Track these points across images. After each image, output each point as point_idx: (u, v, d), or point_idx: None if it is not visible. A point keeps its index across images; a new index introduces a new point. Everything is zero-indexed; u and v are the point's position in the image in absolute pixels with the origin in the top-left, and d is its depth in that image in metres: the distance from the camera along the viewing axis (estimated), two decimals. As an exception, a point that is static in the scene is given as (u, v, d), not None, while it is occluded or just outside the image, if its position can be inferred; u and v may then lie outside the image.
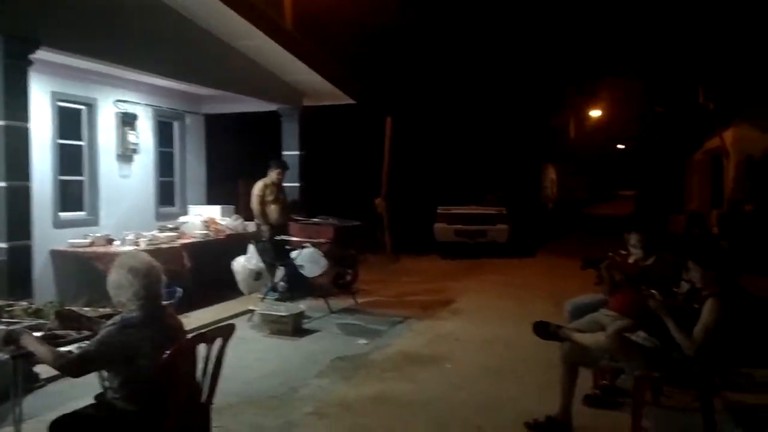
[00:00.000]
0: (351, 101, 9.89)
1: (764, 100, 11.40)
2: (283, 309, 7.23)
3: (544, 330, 4.47)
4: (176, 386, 2.79)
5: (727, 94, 12.44)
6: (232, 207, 9.82)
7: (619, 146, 51.13)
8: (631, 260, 5.31)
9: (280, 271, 8.67)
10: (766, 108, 11.72)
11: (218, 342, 3.11)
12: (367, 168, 14.82)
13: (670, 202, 21.41)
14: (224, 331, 3.13)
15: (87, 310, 3.61)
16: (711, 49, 13.14)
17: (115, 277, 2.93)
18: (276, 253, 8.49)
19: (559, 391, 4.45)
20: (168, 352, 2.76)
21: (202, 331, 3.06)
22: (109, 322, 2.89)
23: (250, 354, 6.38)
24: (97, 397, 3.05)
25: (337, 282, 9.79)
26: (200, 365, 3.18)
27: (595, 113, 35.14)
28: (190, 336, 3.03)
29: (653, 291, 4.25)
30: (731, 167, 13.42)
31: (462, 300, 9.34)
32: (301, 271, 7.94)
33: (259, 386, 5.38)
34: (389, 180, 14.62)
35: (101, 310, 3.66)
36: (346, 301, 8.92)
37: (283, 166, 8.78)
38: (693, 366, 3.97)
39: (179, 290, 7.55)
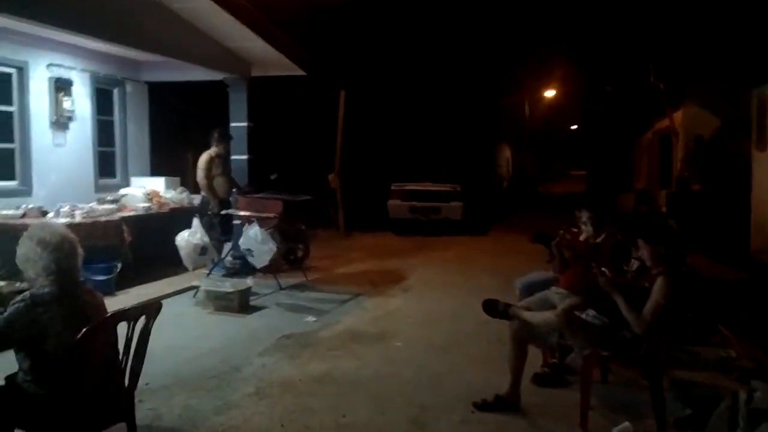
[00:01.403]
0: (302, 72, 9.55)
1: (714, 80, 11.52)
2: (229, 285, 6.97)
3: (493, 308, 4.36)
4: (91, 369, 2.55)
5: (678, 74, 12.55)
6: (177, 179, 9.45)
7: (572, 127, 51.85)
8: (581, 238, 5.23)
9: (227, 247, 8.41)
10: (716, 89, 11.85)
11: (142, 320, 2.87)
12: (319, 143, 14.53)
13: (620, 182, 21.78)
14: (149, 308, 2.88)
15: (1, 285, 3.31)
16: (663, 30, 13.21)
17: (22, 250, 2.67)
18: (223, 228, 8.20)
19: (508, 369, 4.35)
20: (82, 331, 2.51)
21: (124, 308, 2.80)
22: (18, 298, 2.62)
23: (191, 332, 6.13)
24: (8, 378, 2.78)
25: (288, 258, 9.57)
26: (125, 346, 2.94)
27: (549, 93, 35.40)
28: (109, 314, 2.78)
29: (603, 269, 4.17)
30: (680, 147, 13.60)
31: (413, 277, 9.22)
32: (249, 260, 7.66)
33: (197, 365, 5.14)
34: (342, 155, 14.38)
35: (18, 285, 3.36)
36: (296, 278, 8.72)
37: (228, 138, 8.44)
38: (642, 344, 3.91)
39: (118, 265, 7.25)
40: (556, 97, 36.08)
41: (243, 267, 8.34)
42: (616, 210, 17.22)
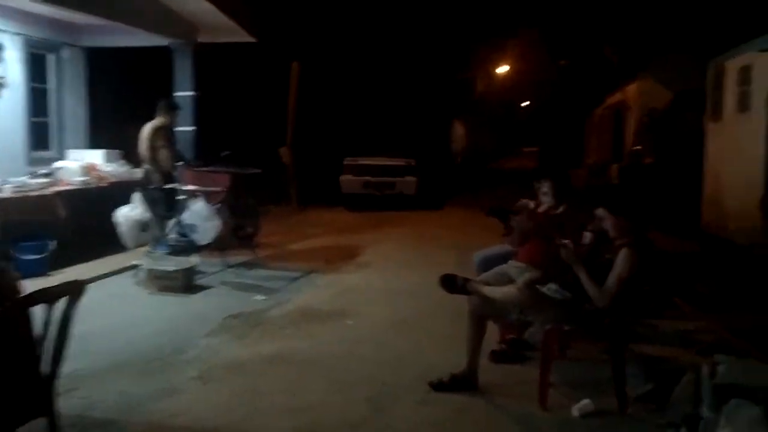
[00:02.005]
0: (251, 39, 9.12)
1: (669, 53, 11.54)
2: (172, 264, 6.61)
3: (451, 283, 4.15)
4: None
5: (632, 48, 12.54)
6: (117, 152, 8.94)
7: (523, 103, 52.20)
8: (541, 209, 5.06)
9: (171, 223, 8.00)
10: (670, 62, 11.88)
11: (64, 302, 2.54)
12: (271, 115, 14.08)
13: (571, 157, 21.93)
14: (71, 289, 2.55)
15: None
16: (618, 3, 13.15)
17: None
18: (167, 203, 7.78)
19: (465, 346, 4.17)
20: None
21: (40, 289, 2.47)
22: None
23: (131, 313, 5.78)
24: None
25: (237, 234, 9.18)
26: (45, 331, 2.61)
27: (501, 69, 35.39)
28: (22, 296, 2.45)
29: (565, 241, 4.00)
30: (632, 121, 13.66)
31: (368, 253, 9.00)
32: (193, 236, 7.29)
33: (137, 349, 4.81)
34: (295, 128, 13.98)
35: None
36: (246, 255, 8.37)
37: (174, 107, 7.99)
38: (605, 318, 3.76)
39: (52, 243, 6.79)
40: (509, 73, 36.12)
41: (189, 244, 7.95)
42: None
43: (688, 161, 9.83)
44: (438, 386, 4.10)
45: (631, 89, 13.93)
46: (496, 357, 4.64)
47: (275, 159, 13.93)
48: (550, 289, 3.97)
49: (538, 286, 4.02)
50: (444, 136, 22.80)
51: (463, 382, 4.10)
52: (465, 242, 9.53)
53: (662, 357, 4.56)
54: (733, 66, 7.68)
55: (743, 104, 7.20)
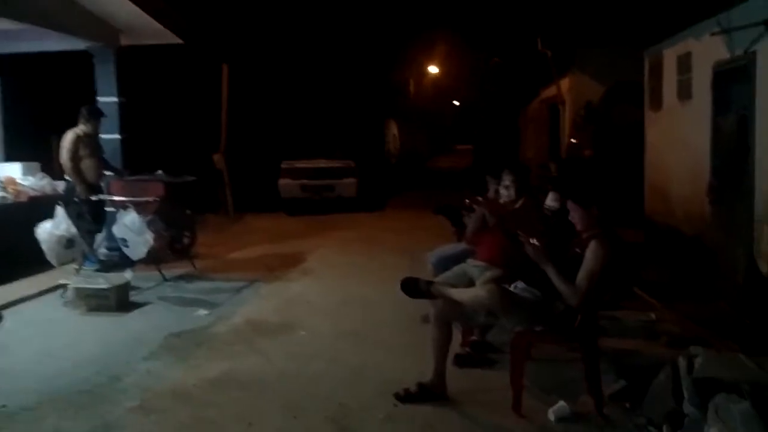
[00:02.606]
0: (178, 41, 8.61)
1: (601, 46, 11.63)
2: (103, 281, 6.09)
3: (413, 287, 3.87)
4: None
5: (565, 41, 12.60)
6: (37, 164, 8.28)
7: (455, 102, 52.73)
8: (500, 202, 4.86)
9: (100, 237, 7.45)
10: (602, 55, 11.98)
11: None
12: (203, 121, 13.50)
13: (507, 154, 22.11)
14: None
15: None
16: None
17: None
18: (94, 216, 7.23)
19: (431, 354, 3.91)
20: None
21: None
22: None
23: (60, 338, 5.26)
24: None
25: (173, 246, 8.69)
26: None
27: (432, 70, 35.55)
28: None
29: (533, 240, 3.79)
30: (567, 115, 13.77)
31: (312, 259, 8.65)
32: (125, 250, 6.78)
33: (68, 379, 4.33)
34: (228, 133, 13.45)
35: None
36: (184, 267, 7.90)
37: (96, 114, 7.43)
38: (576, 316, 3.57)
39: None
40: (440, 73, 36.34)
41: (121, 259, 7.43)
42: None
43: (628, 152, 9.92)
44: (405, 398, 3.83)
45: (565, 83, 14.04)
46: (461, 361, 4.41)
47: (209, 166, 13.38)
48: (518, 287, 3.76)
49: (505, 285, 3.79)
50: (379, 137, 22.61)
51: (431, 392, 3.84)
52: (412, 243, 9.32)
53: (630, 351, 4.42)
54: (671, 54, 7.72)
55: (684, 92, 7.23)
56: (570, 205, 3.72)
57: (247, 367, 4.50)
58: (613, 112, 11.14)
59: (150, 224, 7.51)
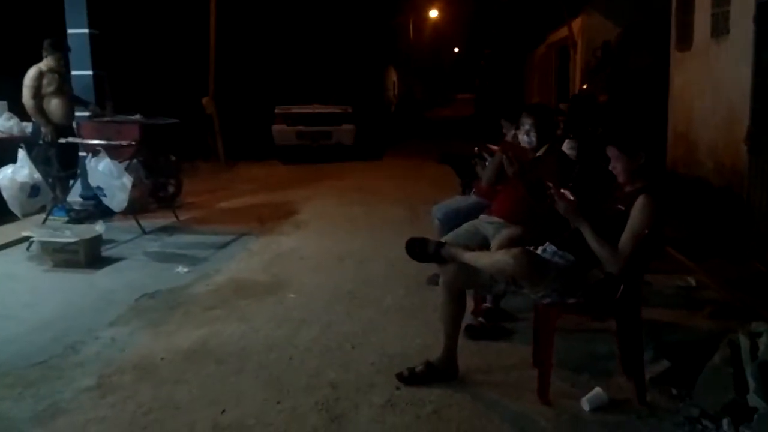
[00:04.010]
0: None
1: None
2: (71, 233, 5.46)
3: (421, 250, 3.24)
4: None
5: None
6: (3, 104, 7.53)
7: (456, 49, 51.35)
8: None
9: (72, 185, 6.81)
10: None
11: None
12: (191, 60, 12.64)
13: (510, 102, 21.25)
14: None
15: None
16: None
17: None
18: (63, 161, 6.56)
19: (441, 327, 3.31)
20: None
21: None
22: None
23: (17, 298, 4.67)
24: None
25: (157, 195, 8.07)
26: None
27: (433, 14, 34.25)
28: None
29: (563, 190, 3.15)
30: (579, 59, 12.96)
31: (306, 210, 8.02)
32: (103, 200, 6.12)
33: (20, 347, 3.76)
34: (219, 75, 12.63)
35: None
36: (167, 218, 7.29)
37: (60, 47, 6.66)
38: (618, 286, 2.95)
39: None
40: (441, 18, 35.09)
41: (98, 209, 6.81)
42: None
43: (646, 97, 9.19)
44: (410, 378, 3.24)
45: (576, 24, 13.18)
46: (474, 333, 3.81)
47: (198, 110, 12.61)
48: (547, 251, 3.13)
49: (532, 248, 3.16)
50: (378, 83, 21.74)
51: (440, 372, 3.26)
52: (413, 195, 8.70)
53: (669, 323, 3.83)
54: (707, -15, 6.93)
55: (720, 28, 6.48)
56: (612, 152, 3.06)
57: (226, 335, 3.91)
58: (630, 54, 10.34)
59: (128, 171, 6.88)
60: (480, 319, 3.97)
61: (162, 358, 3.58)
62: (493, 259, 3.00)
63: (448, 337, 3.28)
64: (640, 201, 2.93)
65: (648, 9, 10.55)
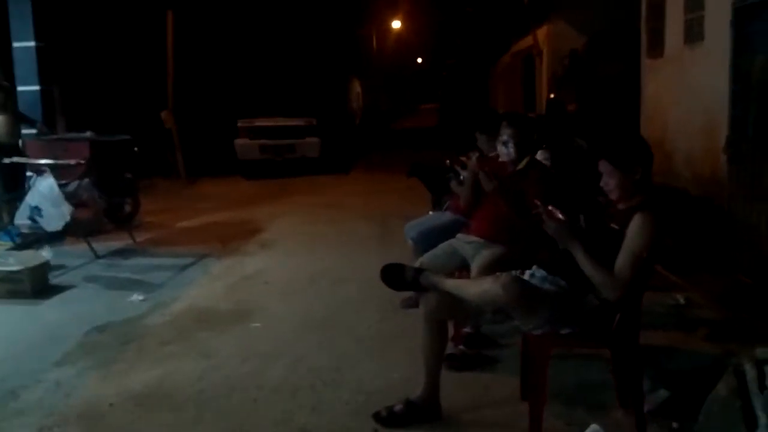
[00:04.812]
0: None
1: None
2: (14, 261, 5.03)
3: (398, 277, 2.94)
4: None
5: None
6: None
7: (419, 60, 51.49)
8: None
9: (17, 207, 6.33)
10: (582, 3, 11.07)
11: None
12: (148, 74, 12.17)
13: (474, 112, 21.14)
14: None
15: None
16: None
17: None
18: (7, 182, 6.11)
19: (422, 361, 3.01)
20: None
21: None
22: None
23: (-48, 335, 4.23)
24: None
25: (114, 215, 7.62)
26: None
27: (395, 24, 34.20)
28: None
29: (551, 207, 2.88)
30: (545, 67, 12.87)
31: (272, 228, 7.66)
32: (39, 221, 5.69)
33: (-50, 396, 3.34)
34: (177, 88, 12.18)
35: None
36: (122, 240, 6.86)
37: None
38: (615, 314, 2.69)
39: None
40: (404, 30, 35.07)
41: (43, 233, 6.36)
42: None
43: (616, 106, 9.09)
44: (388, 419, 2.94)
45: (542, 33, 13.10)
46: (456, 363, 3.52)
47: (157, 124, 12.14)
48: (536, 276, 2.86)
49: (516, 272, 2.88)
50: (342, 95, 21.42)
51: (422, 411, 2.96)
52: (384, 211, 8.39)
53: (664, 347, 3.59)
54: (679, -10, 6.82)
55: (694, 34, 6.36)
56: (605, 167, 2.81)
57: (183, 375, 3.54)
58: (598, 62, 10.24)
59: (80, 190, 6.47)
60: (461, 347, 3.68)
61: (111, 404, 3.20)
62: (481, 288, 2.71)
63: (429, 373, 2.99)
64: (637, 219, 2.68)
65: (615, 16, 10.50)
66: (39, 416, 3.10)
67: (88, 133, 6.48)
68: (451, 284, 2.82)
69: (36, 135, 6.54)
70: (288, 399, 3.23)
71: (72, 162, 5.93)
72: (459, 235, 3.93)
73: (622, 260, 2.65)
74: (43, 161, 5.89)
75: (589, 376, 3.37)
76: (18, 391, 3.38)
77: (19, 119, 6.43)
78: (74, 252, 6.25)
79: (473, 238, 3.81)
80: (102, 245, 6.47)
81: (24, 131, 6.69)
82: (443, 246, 3.89)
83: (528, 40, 13.85)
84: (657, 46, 7.56)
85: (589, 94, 9.95)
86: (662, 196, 7.09)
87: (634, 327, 2.79)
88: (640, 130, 7.99)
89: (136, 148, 8.53)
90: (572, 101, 10.15)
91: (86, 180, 6.61)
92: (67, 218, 5.60)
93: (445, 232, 4.17)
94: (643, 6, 7.94)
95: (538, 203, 2.89)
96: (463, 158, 4.35)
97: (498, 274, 2.74)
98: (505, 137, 3.66)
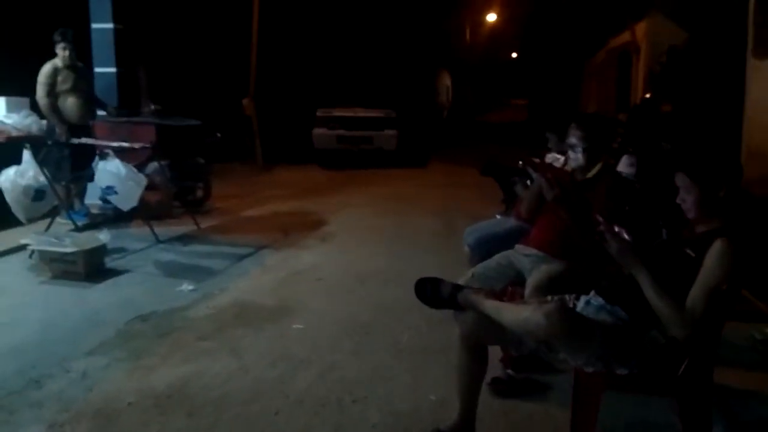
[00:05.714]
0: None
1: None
2: (70, 242, 5.03)
3: (434, 293, 2.63)
4: None
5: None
6: (25, 100, 7.21)
7: (512, 55, 50.34)
8: (566, 169, 3.53)
9: (91, 188, 6.41)
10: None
11: None
12: (231, 60, 12.29)
13: (565, 109, 20.26)
14: None
15: None
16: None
17: None
18: (75, 163, 6.18)
19: (456, 385, 2.69)
20: None
21: None
22: None
23: (2, 314, 4.23)
24: None
25: (186, 199, 7.68)
26: None
27: (490, 17, 33.38)
28: None
29: (616, 227, 2.48)
30: (642, 65, 12.05)
31: (336, 220, 7.48)
32: (111, 199, 5.69)
33: (-21, 379, 3.30)
34: (260, 76, 12.24)
35: None
36: (187, 225, 6.86)
37: (69, 38, 6.24)
38: (684, 357, 2.27)
39: None
40: (497, 22, 34.20)
41: (114, 213, 6.43)
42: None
43: (716, 108, 8.30)
44: (413, 451, 2.64)
45: (640, 28, 12.27)
46: (501, 387, 3.17)
47: (238, 111, 12.26)
48: (591, 305, 2.46)
49: (570, 300, 2.50)
50: (429, 87, 21.04)
51: (452, 444, 2.64)
52: (453, 206, 8.07)
53: (745, 391, 3.09)
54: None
55: (810, 31, 5.64)
56: (682, 180, 2.38)
57: (209, 375, 3.36)
58: (698, 60, 9.43)
59: (151, 173, 6.50)
60: (509, 370, 3.31)
61: (129, 403, 3.05)
62: (521, 316, 2.34)
63: (464, 400, 2.66)
64: (716, 246, 2.24)
65: (719, 11, 9.60)
66: (54, 411, 2.98)
67: (152, 107, 6.46)
68: (491, 306, 2.47)
69: (104, 117, 6.59)
70: (311, 414, 2.98)
71: (137, 145, 5.90)
72: (517, 246, 3.55)
73: (695, 293, 2.23)
74: (109, 143, 5.89)
75: (650, 415, 2.93)
76: (42, 380, 3.29)
77: (92, 101, 6.49)
78: (137, 235, 6.28)
79: (532, 250, 3.42)
80: (166, 230, 6.47)
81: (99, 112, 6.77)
82: (498, 257, 3.52)
83: (625, 36, 13.03)
84: (765, 45, 6.78)
85: (686, 94, 9.17)
86: (760, 208, 6.39)
87: (707, 372, 2.36)
88: (743, 136, 7.25)
89: (218, 134, 8.62)
90: (667, 102, 9.39)
91: (157, 164, 6.64)
92: (140, 193, 5.58)
93: (506, 240, 3.78)
94: (751, 1, 7.15)
95: (601, 220, 2.50)
96: (537, 160, 3.97)
97: (543, 299, 2.38)
98: (573, 141, 3.24)
